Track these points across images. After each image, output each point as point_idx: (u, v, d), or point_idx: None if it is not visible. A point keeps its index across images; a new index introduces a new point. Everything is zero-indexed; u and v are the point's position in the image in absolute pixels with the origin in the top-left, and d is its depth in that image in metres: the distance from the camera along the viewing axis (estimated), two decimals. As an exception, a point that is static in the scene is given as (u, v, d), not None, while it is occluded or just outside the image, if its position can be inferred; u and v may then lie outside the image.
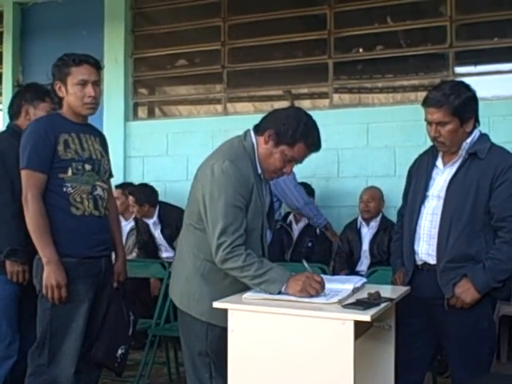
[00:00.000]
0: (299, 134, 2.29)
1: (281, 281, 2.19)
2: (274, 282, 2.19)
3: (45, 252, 2.49)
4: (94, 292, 2.62)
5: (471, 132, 2.51)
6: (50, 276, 2.48)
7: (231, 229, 2.21)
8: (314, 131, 2.33)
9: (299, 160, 2.36)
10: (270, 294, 2.18)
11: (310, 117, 2.36)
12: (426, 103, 2.50)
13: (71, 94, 2.59)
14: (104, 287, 2.70)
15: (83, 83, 2.57)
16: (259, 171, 2.36)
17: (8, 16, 6.41)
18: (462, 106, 2.44)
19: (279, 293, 2.19)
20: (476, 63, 5.25)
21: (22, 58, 6.40)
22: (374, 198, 4.65)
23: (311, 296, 2.14)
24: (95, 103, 2.63)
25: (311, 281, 2.16)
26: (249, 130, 2.40)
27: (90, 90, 2.58)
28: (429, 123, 2.50)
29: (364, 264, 4.59)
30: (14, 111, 3.09)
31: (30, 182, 2.51)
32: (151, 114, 6.27)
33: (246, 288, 2.27)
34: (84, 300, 2.57)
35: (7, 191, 2.82)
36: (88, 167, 2.62)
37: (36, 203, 2.49)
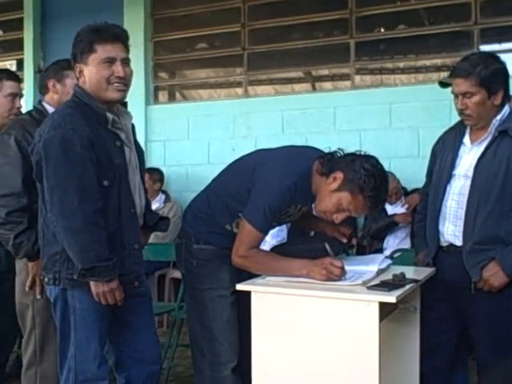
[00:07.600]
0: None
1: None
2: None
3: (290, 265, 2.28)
4: None
5: (501, 107, 2.41)
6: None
7: None
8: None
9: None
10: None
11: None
12: (453, 74, 2.42)
13: None
14: None
15: None
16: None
17: (28, 2, 6.42)
18: (489, 76, 2.34)
19: None
20: (501, 41, 5.15)
21: (43, 43, 6.40)
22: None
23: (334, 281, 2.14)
24: None
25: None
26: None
27: None
28: (456, 96, 2.42)
29: (391, 238, 4.54)
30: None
31: (250, 238, 2.31)
32: (172, 98, 6.26)
33: None
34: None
35: (75, 193, 2.12)
36: None
37: (252, 256, 2.31)
